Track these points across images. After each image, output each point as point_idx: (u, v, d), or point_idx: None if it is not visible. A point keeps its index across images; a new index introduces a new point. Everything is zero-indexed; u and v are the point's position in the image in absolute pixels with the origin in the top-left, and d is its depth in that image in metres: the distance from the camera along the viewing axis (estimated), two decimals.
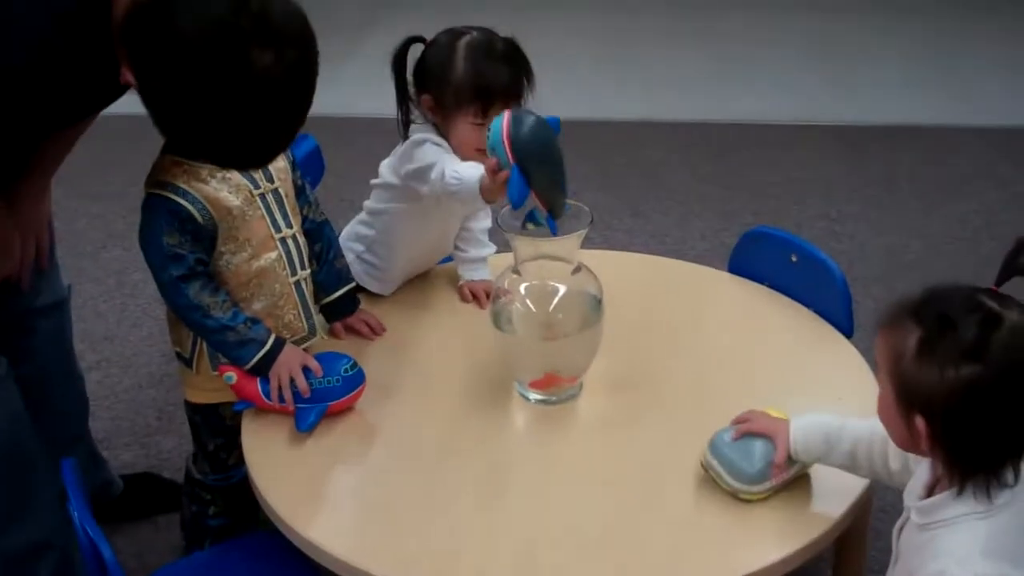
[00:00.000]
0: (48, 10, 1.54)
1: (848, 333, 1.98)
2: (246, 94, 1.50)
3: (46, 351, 2.14)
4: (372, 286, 2.13)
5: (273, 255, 1.82)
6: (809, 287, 2.05)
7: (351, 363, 1.79)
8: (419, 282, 2.18)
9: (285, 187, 1.85)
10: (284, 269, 1.84)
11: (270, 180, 1.82)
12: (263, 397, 1.78)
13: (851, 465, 1.53)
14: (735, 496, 1.56)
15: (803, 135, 4.29)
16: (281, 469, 1.70)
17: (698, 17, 5.63)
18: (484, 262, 2.15)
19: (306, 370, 1.77)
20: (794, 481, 1.58)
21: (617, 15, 5.73)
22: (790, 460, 1.56)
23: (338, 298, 1.98)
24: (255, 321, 1.79)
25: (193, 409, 1.95)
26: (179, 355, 1.90)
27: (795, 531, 1.53)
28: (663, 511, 1.59)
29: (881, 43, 5.21)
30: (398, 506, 1.62)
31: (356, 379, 1.79)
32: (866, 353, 1.93)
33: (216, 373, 1.82)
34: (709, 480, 1.60)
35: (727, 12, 5.66)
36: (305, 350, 1.84)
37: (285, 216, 1.84)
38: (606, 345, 1.81)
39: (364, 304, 2.04)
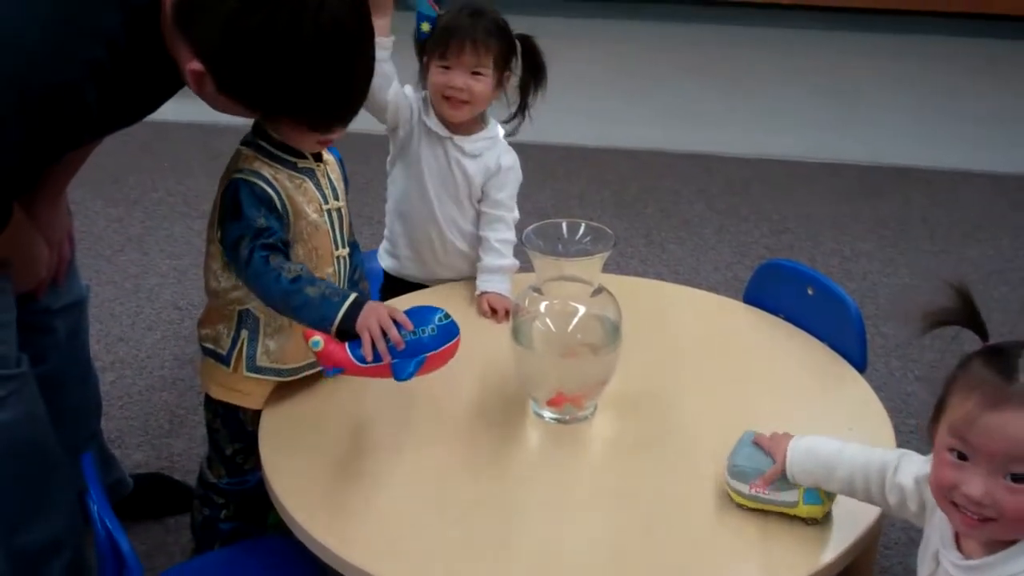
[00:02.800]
0: (101, 37, 1.57)
1: (861, 368, 1.99)
2: (322, 35, 1.57)
3: (63, 350, 2.16)
4: (385, 261, 2.27)
5: (330, 270, 1.84)
6: (824, 320, 2.07)
7: (444, 313, 1.69)
8: (438, 296, 2.20)
9: (345, 208, 1.88)
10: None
11: (336, 198, 1.85)
12: (353, 360, 1.65)
13: (849, 492, 1.54)
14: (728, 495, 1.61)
15: (817, 172, 4.32)
16: (298, 475, 1.71)
17: (715, 52, 5.67)
18: (502, 274, 2.17)
19: (397, 324, 1.65)
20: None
21: (635, 45, 5.78)
22: (782, 485, 1.57)
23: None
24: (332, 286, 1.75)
25: (214, 413, 1.94)
26: (212, 352, 1.88)
27: (806, 555, 1.54)
28: (674, 533, 1.60)
29: (895, 86, 5.24)
30: (413, 517, 1.64)
31: (451, 329, 1.69)
32: (877, 389, 1.96)
33: (305, 341, 1.68)
34: (720, 504, 1.62)
35: (744, 48, 5.71)
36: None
37: (343, 236, 1.87)
38: (621, 368, 1.83)
39: None
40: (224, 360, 1.86)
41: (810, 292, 2.10)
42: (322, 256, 1.83)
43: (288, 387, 1.89)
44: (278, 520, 1.85)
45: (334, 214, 1.85)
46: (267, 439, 1.79)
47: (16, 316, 1.86)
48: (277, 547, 1.87)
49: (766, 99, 5.07)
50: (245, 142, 1.82)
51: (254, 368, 1.85)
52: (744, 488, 1.59)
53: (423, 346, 1.66)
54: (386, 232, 2.29)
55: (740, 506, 1.61)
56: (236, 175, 1.76)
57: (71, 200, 2.15)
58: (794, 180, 4.25)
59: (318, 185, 1.82)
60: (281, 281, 1.68)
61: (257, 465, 1.88)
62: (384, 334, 1.63)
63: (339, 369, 1.66)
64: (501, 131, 2.20)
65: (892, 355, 3.05)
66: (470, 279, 2.22)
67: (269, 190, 1.75)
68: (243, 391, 1.88)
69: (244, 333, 1.84)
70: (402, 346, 1.63)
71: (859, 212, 3.98)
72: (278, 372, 1.86)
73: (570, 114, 4.51)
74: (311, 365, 1.88)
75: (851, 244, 3.73)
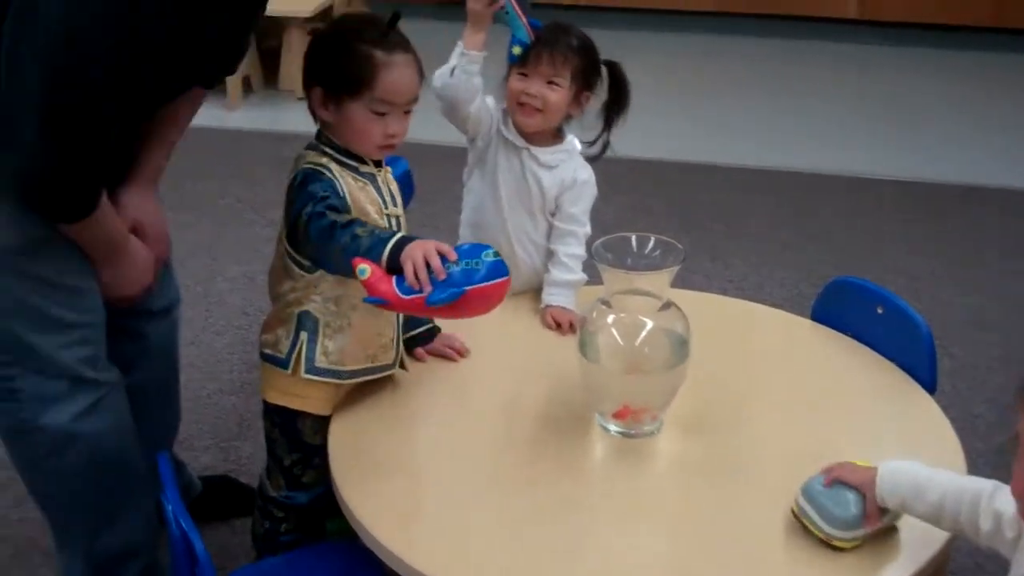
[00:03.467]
0: None
1: (931, 388, 1.98)
2: None
3: (153, 361, 2.18)
4: None
5: None
6: (893, 340, 2.05)
7: (494, 251, 1.65)
8: (506, 306, 2.20)
9: (403, 218, 1.91)
10: None
11: (395, 205, 1.89)
12: (397, 292, 1.61)
13: (936, 517, 1.51)
14: (827, 543, 1.57)
15: (884, 190, 4.28)
16: (366, 481, 1.73)
17: (784, 67, 5.64)
18: (568, 288, 2.18)
19: (443, 258, 1.62)
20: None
21: (701, 59, 5.77)
22: (882, 510, 1.56)
23: (421, 331, 2.04)
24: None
25: (272, 422, 1.95)
26: (270, 357, 1.90)
27: None
28: (738, 554, 1.60)
29: (963, 103, 5.18)
30: (478, 525, 1.65)
31: (499, 268, 1.63)
32: (944, 410, 1.94)
33: (364, 288, 1.66)
34: (785, 527, 1.61)
35: (814, 64, 5.67)
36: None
37: None
38: (688, 384, 1.83)
39: (450, 327, 2.08)
40: (283, 363, 1.88)
41: (879, 311, 2.09)
42: None
43: (355, 396, 1.92)
44: (338, 528, 1.88)
45: (393, 220, 1.88)
46: (336, 446, 1.81)
47: (106, 319, 1.89)
48: (341, 552, 1.89)
49: (832, 115, 5.03)
50: (309, 147, 1.86)
51: (313, 370, 1.86)
52: (859, 532, 1.57)
53: (465, 278, 1.61)
54: (458, 241, 2.31)
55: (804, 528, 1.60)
56: (303, 166, 1.81)
57: None
58: (861, 197, 4.22)
59: (379, 190, 1.86)
60: (336, 229, 1.68)
61: (315, 481, 1.92)
62: (428, 265, 1.60)
63: (381, 300, 1.62)
64: (578, 146, 2.22)
65: (959, 376, 3.02)
66: (536, 291, 2.23)
67: (333, 180, 1.79)
68: (302, 395, 1.89)
69: (303, 335, 1.86)
70: (443, 276, 1.59)
71: (926, 231, 3.94)
72: (337, 374, 1.88)
73: (636, 127, 4.48)
74: (370, 369, 1.90)
75: (918, 263, 3.69)
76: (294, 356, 1.86)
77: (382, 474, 1.76)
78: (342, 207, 1.77)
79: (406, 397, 1.94)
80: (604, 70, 2.18)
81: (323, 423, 1.90)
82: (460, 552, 1.61)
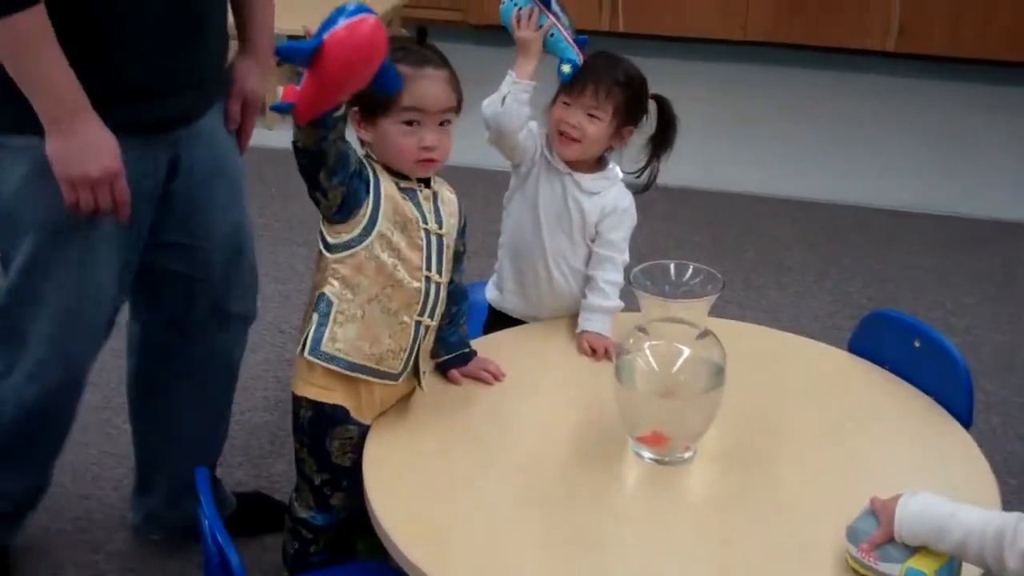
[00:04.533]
0: None
1: (967, 424, 1.97)
2: None
3: (208, 368, 2.29)
4: (490, 293, 2.31)
5: (415, 285, 1.87)
6: (929, 374, 2.04)
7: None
8: (542, 331, 2.23)
9: (449, 240, 1.92)
10: (417, 304, 1.88)
11: (439, 224, 1.90)
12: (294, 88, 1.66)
13: (960, 555, 1.50)
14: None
15: (920, 223, 4.27)
16: (400, 501, 1.74)
17: (819, 97, 5.65)
18: (604, 314, 2.18)
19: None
20: None
21: (738, 88, 5.78)
22: (888, 554, 1.53)
23: (457, 354, 2.05)
24: None
25: (301, 441, 1.95)
26: (300, 343, 1.90)
27: None
28: None
29: (1003, 138, 5.16)
30: (511, 548, 1.66)
31: (358, 10, 1.60)
32: (978, 445, 1.93)
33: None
34: (819, 562, 1.60)
35: (849, 95, 5.67)
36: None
37: (440, 263, 1.90)
38: (723, 413, 1.82)
39: (488, 351, 2.09)
40: (300, 345, 1.88)
41: (917, 344, 2.08)
42: (408, 266, 1.86)
43: (391, 416, 1.93)
44: (368, 546, 1.89)
45: (432, 236, 1.89)
46: (371, 466, 1.82)
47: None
48: (372, 572, 1.90)
49: (870, 146, 5.03)
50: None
51: (316, 352, 1.86)
52: (853, 550, 1.57)
53: (322, 30, 1.60)
54: (496, 265, 2.33)
55: (854, 571, 1.58)
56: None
57: None
58: (897, 230, 4.21)
59: (418, 206, 1.87)
60: None
61: (342, 502, 1.94)
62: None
63: (287, 104, 1.67)
64: (620, 173, 2.23)
65: (993, 412, 3.00)
66: (572, 316, 2.23)
67: (372, 170, 1.85)
68: (322, 385, 1.89)
69: (315, 316, 1.87)
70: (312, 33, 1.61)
71: (963, 265, 3.92)
72: (335, 360, 1.86)
73: (671, 154, 4.50)
74: (372, 370, 1.89)
75: (954, 297, 3.68)
76: (304, 337, 1.87)
77: (416, 495, 1.76)
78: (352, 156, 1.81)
79: (441, 419, 1.95)
80: (652, 104, 2.19)
81: (351, 444, 1.90)
82: (493, 574, 1.61)
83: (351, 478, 1.87)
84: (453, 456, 1.86)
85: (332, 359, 1.87)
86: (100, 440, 2.80)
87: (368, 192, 1.83)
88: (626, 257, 2.22)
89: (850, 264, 3.90)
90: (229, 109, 2.14)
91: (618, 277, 2.20)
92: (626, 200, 2.22)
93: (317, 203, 1.83)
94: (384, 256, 1.84)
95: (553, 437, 1.91)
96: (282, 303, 3.43)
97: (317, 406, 1.90)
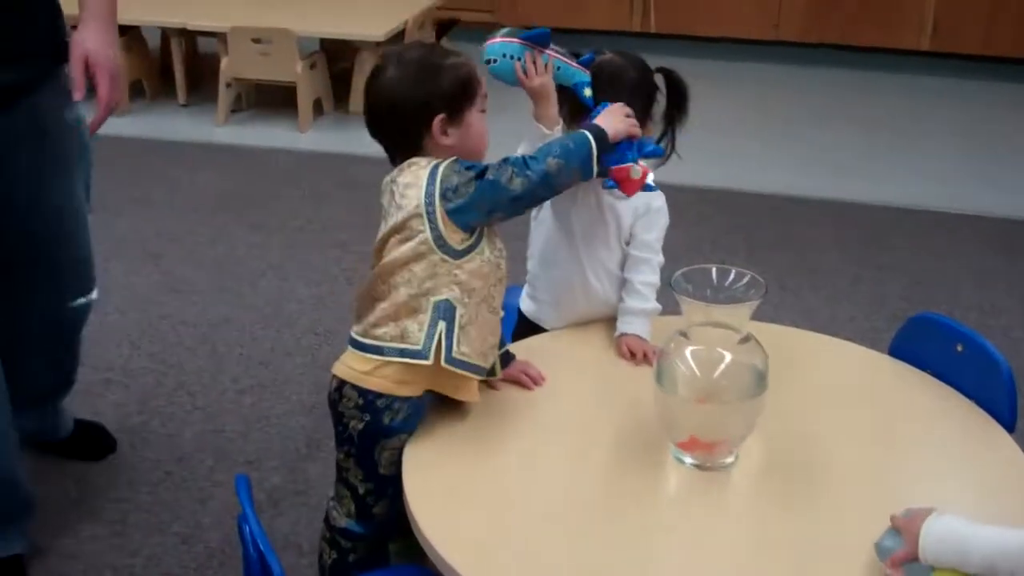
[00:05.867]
0: None
1: (1011, 428, 1.95)
2: None
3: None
4: (524, 304, 2.30)
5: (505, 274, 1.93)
6: (972, 378, 2.02)
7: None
8: (580, 335, 2.21)
9: None
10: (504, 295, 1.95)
11: None
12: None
13: (991, 574, 1.47)
14: None
15: (955, 224, 4.23)
16: (440, 506, 1.73)
17: (854, 97, 5.61)
18: (643, 316, 2.17)
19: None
20: None
21: (771, 88, 5.75)
22: (916, 571, 1.51)
23: (500, 355, 2.04)
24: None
25: (347, 452, 1.94)
26: (395, 351, 1.86)
27: None
28: None
29: None
30: (550, 553, 1.64)
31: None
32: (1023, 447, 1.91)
33: None
34: (854, 566, 1.59)
35: (885, 95, 5.64)
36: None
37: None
38: (765, 418, 1.81)
39: (526, 355, 2.08)
40: (420, 355, 1.84)
41: (959, 349, 2.06)
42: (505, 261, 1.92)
43: (430, 421, 1.92)
44: (400, 548, 1.89)
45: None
46: (411, 472, 1.81)
47: None
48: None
49: (906, 147, 4.99)
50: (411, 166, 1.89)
51: (451, 360, 1.85)
52: (882, 566, 1.55)
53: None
54: (528, 276, 2.31)
55: None
56: (442, 161, 1.86)
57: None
58: (933, 231, 4.17)
59: None
60: (540, 163, 1.84)
61: (384, 511, 1.94)
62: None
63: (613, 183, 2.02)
64: (651, 175, 2.21)
65: None
66: (611, 320, 2.22)
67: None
68: (449, 379, 1.89)
69: (441, 324, 1.85)
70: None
71: (1000, 267, 3.88)
72: (464, 365, 1.87)
73: (704, 156, 4.50)
74: (480, 369, 1.92)
75: (991, 299, 3.64)
76: (433, 346, 1.84)
77: (456, 500, 1.76)
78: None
79: (481, 424, 1.94)
80: (660, 78, 2.19)
81: (400, 454, 1.89)
82: None
83: (397, 487, 1.86)
84: (493, 462, 1.85)
85: (463, 364, 1.87)
86: (137, 442, 2.81)
87: None
88: (661, 258, 2.21)
89: (885, 266, 3.87)
90: (72, 76, 2.12)
91: (655, 279, 2.19)
92: (659, 200, 2.21)
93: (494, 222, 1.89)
94: (491, 255, 1.88)
95: (593, 442, 1.89)
96: (316, 306, 3.43)
97: (373, 413, 1.89)
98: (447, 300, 1.85)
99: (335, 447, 1.98)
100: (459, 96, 1.88)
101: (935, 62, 5.82)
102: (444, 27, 5.63)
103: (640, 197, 2.18)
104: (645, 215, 2.19)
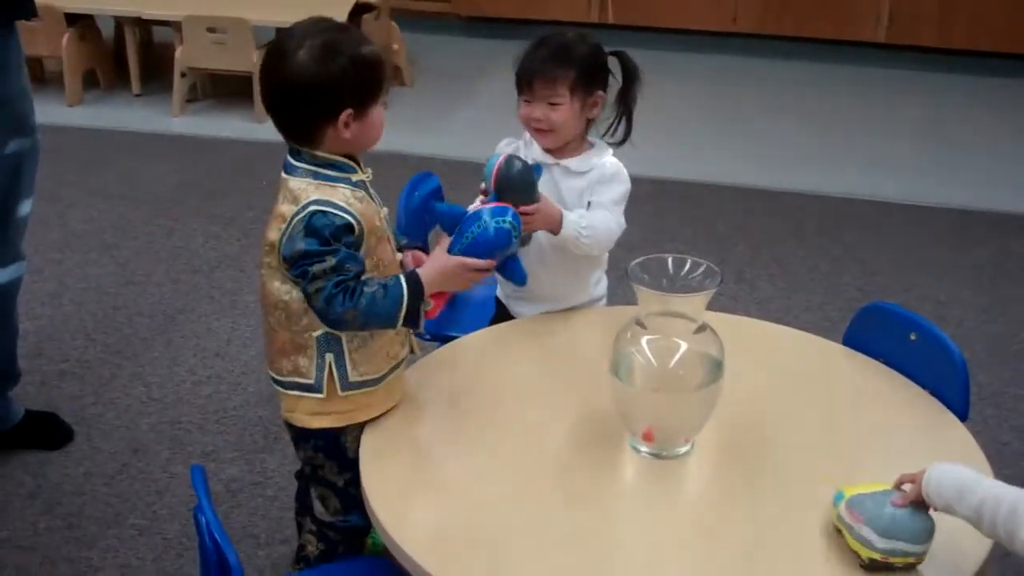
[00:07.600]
0: None
1: (963, 416, 1.97)
2: None
3: None
4: (500, 292, 2.35)
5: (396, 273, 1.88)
6: (925, 367, 2.04)
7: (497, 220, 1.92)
8: (547, 324, 2.22)
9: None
10: None
11: (381, 204, 1.89)
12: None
13: (976, 520, 1.50)
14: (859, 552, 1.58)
15: (911, 215, 4.28)
16: (399, 500, 1.73)
17: (810, 89, 5.64)
18: (577, 217, 2.14)
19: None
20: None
21: (728, 81, 5.78)
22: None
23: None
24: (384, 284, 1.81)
25: (314, 448, 1.93)
26: (296, 385, 1.87)
27: None
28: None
29: (996, 131, 5.17)
30: (510, 544, 1.65)
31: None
32: (974, 436, 1.93)
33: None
34: (817, 549, 1.61)
35: (840, 87, 5.67)
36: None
37: (394, 242, 1.93)
38: (720, 407, 1.82)
39: (490, 345, 2.08)
40: (314, 388, 1.86)
41: (913, 337, 2.08)
42: (387, 266, 1.87)
43: (386, 413, 1.91)
44: (376, 540, 1.88)
45: (386, 220, 1.89)
46: (367, 466, 1.80)
47: None
48: (375, 568, 1.89)
49: (862, 139, 5.03)
50: (293, 173, 1.82)
51: (348, 386, 1.86)
52: (843, 511, 1.59)
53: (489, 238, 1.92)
54: None
55: (838, 530, 1.61)
56: (310, 205, 1.76)
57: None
58: (888, 223, 4.21)
59: (372, 196, 1.86)
60: (346, 304, 1.75)
61: None
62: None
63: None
64: (609, 151, 2.22)
65: (987, 403, 3.01)
66: (570, 310, 2.23)
67: (346, 216, 1.77)
68: (341, 411, 1.88)
69: (329, 356, 1.84)
70: (493, 265, 1.94)
71: (954, 258, 3.93)
72: (373, 383, 1.87)
73: (661, 148, 4.52)
74: (393, 367, 1.90)
75: (945, 290, 3.68)
76: (325, 379, 1.85)
77: (414, 492, 1.76)
78: (358, 263, 1.77)
79: (439, 412, 1.94)
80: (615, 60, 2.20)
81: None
82: (493, 570, 1.60)
83: None
84: (450, 453, 1.86)
85: (366, 384, 1.86)
86: (94, 434, 2.79)
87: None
88: (621, 221, 2.20)
89: (840, 256, 3.90)
90: None
91: (605, 219, 2.16)
92: (613, 167, 2.21)
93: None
94: (372, 273, 1.83)
95: (550, 433, 1.90)
96: None
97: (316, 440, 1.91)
98: (325, 333, 1.83)
99: (299, 453, 1.98)
100: (371, 90, 1.81)
101: (891, 54, 5.87)
102: (360, 8, 5.39)
103: (597, 170, 2.18)
104: (599, 181, 2.19)
